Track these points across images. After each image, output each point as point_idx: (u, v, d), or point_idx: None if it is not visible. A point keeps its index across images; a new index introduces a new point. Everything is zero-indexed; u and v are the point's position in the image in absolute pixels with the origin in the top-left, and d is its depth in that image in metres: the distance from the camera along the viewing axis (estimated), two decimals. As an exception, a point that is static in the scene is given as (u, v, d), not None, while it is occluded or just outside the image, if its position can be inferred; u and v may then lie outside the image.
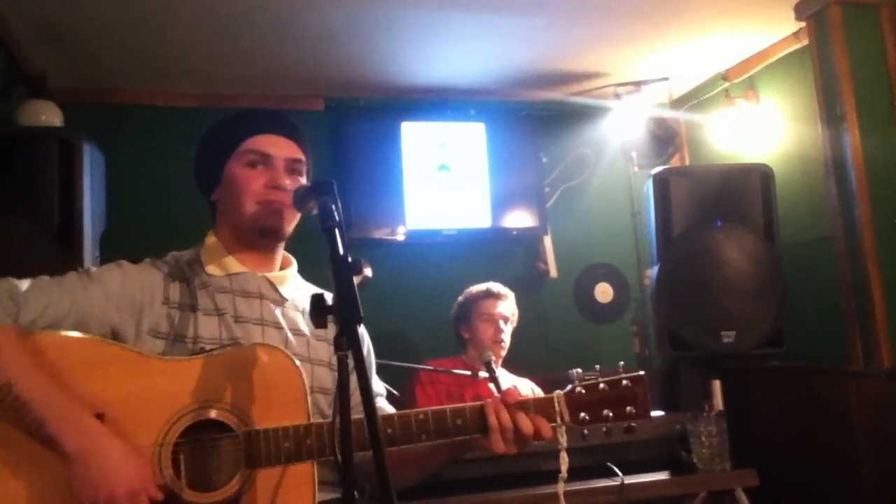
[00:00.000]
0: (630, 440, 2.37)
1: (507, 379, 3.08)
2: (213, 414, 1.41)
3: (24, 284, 1.46)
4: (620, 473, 2.26)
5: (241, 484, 1.39)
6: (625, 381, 1.54)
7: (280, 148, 1.63)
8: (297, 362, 1.46)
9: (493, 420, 1.48)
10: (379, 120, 3.97)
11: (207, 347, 1.48)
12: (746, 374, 3.44)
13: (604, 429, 1.53)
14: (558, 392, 1.54)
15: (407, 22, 3.17)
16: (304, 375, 1.46)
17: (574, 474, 2.22)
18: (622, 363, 1.56)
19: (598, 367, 1.56)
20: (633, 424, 1.53)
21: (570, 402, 1.52)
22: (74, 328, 1.44)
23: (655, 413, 2.53)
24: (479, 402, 1.51)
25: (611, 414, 1.52)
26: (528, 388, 3.07)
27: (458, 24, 3.21)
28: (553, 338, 3.99)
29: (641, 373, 1.55)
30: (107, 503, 1.30)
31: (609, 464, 2.30)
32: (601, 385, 1.53)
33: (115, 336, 1.48)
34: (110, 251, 2.65)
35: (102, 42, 3.18)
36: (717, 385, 2.95)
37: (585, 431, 1.53)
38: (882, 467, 2.91)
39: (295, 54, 3.43)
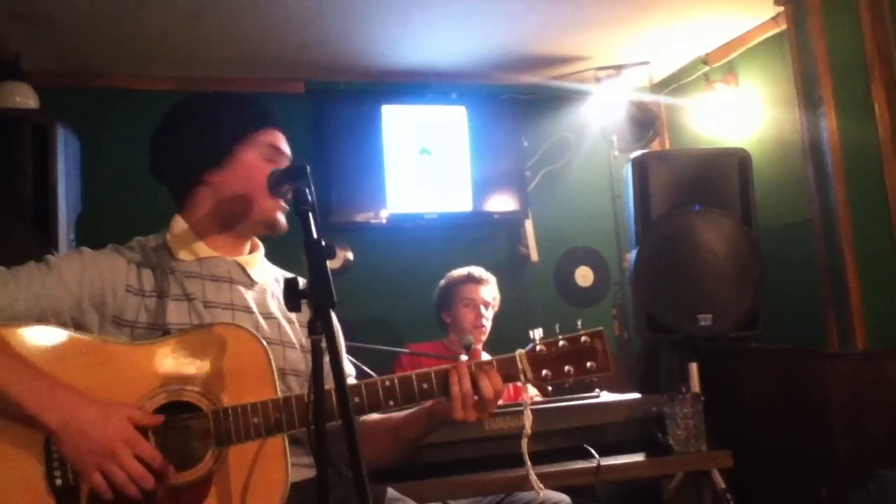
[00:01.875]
0: (606, 421, 2.38)
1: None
2: (180, 395, 1.41)
3: None
4: (597, 455, 2.27)
5: (212, 462, 1.40)
6: (584, 338, 1.57)
7: (287, 147, 1.67)
8: (264, 341, 1.46)
9: (454, 388, 1.49)
10: (359, 103, 3.95)
11: (172, 330, 1.48)
12: (724, 357, 3.47)
13: (567, 384, 1.56)
14: (520, 350, 1.56)
15: (388, 4, 3.15)
16: (276, 357, 1.47)
17: (550, 456, 2.27)
18: (580, 321, 1.58)
19: (557, 325, 1.58)
20: (594, 379, 1.56)
21: (531, 360, 1.55)
22: (36, 321, 1.42)
23: (632, 395, 2.55)
24: (445, 366, 1.52)
25: (572, 370, 1.55)
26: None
27: (439, 6, 3.20)
28: (534, 321, 3.94)
29: (600, 328, 1.58)
30: (110, 462, 1.31)
31: (585, 445, 2.31)
32: (561, 342, 1.56)
33: (79, 326, 1.46)
34: (86, 236, 2.63)
35: (78, 25, 3.14)
36: (693, 367, 2.97)
37: (549, 388, 1.55)
38: (858, 447, 2.95)
39: (275, 37, 3.40)
